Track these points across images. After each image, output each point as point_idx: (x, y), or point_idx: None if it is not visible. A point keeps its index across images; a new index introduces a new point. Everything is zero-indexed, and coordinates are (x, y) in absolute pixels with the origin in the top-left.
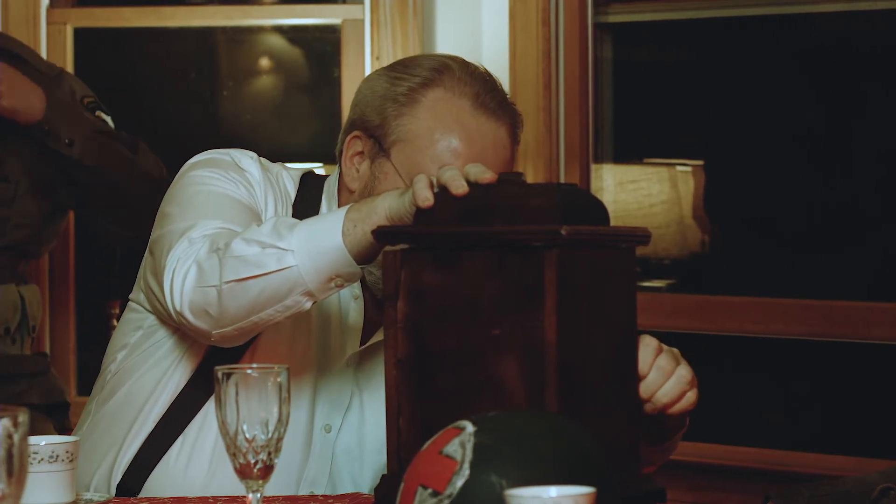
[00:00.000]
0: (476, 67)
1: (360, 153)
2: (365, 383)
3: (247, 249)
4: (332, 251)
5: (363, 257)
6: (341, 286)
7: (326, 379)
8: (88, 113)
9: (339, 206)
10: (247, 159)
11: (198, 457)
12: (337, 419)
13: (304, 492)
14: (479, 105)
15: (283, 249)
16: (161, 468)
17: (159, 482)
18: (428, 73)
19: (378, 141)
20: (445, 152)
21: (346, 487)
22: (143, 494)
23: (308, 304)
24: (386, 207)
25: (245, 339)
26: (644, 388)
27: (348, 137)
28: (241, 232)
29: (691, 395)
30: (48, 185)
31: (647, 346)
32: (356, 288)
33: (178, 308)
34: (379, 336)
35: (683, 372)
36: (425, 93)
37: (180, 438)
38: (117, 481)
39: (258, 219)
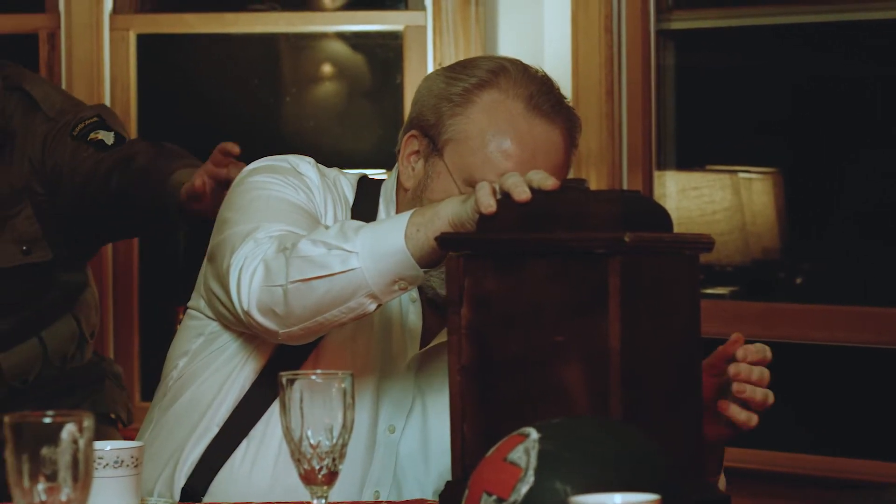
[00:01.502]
0: (534, 70)
1: (417, 152)
2: (427, 386)
3: (313, 250)
4: (395, 254)
5: (426, 261)
6: (405, 289)
7: (389, 381)
8: (83, 144)
9: (397, 207)
10: (305, 164)
11: (262, 461)
12: (400, 421)
13: (368, 493)
14: (533, 107)
15: (348, 251)
16: (225, 472)
17: (223, 486)
18: (484, 74)
19: (432, 140)
20: (497, 153)
21: (411, 490)
22: (207, 499)
23: (372, 307)
24: (449, 213)
25: (312, 338)
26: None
27: (406, 136)
28: (305, 234)
29: (770, 394)
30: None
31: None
32: (414, 292)
33: (245, 307)
34: (440, 338)
35: (765, 371)
36: (480, 94)
37: (244, 442)
38: (181, 486)
39: (318, 223)
